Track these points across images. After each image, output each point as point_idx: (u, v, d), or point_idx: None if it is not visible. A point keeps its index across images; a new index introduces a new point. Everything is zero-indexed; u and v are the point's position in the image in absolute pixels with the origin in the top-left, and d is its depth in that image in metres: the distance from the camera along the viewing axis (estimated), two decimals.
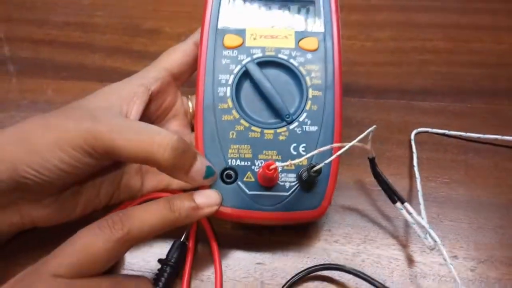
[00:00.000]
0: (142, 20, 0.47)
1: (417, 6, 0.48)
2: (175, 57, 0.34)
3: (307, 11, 0.34)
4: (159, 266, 0.31)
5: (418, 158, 0.37)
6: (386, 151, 0.38)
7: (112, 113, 0.30)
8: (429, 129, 0.39)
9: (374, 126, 0.27)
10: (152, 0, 0.49)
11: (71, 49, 0.46)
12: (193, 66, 0.35)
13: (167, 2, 0.49)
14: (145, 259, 0.33)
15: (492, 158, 0.37)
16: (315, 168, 0.27)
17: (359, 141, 0.26)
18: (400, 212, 0.31)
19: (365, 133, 0.26)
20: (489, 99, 0.41)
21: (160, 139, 0.27)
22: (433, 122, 0.39)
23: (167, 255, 0.31)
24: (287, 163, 0.27)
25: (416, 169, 0.36)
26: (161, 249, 0.32)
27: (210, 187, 0.30)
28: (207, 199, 0.29)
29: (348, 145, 0.27)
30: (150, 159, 0.27)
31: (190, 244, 0.32)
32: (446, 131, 0.38)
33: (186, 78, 0.36)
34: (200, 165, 0.29)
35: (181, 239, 0.32)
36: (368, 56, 0.45)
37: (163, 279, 0.30)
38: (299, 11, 0.34)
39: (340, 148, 0.27)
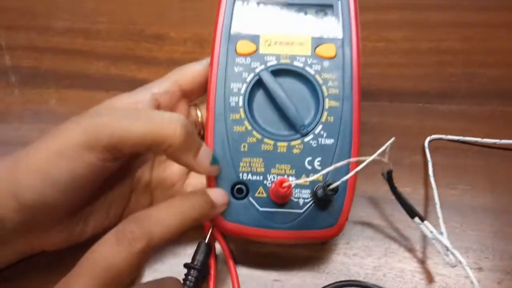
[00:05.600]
0: (146, 25, 0.46)
1: (430, 5, 0.46)
2: (187, 74, 0.33)
3: (325, 16, 0.32)
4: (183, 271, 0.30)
5: (435, 165, 0.35)
6: (403, 158, 0.37)
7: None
8: (443, 136, 0.37)
9: (393, 138, 0.25)
10: (156, 5, 0.48)
11: (74, 57, 0.44)
12: (204, 86, 0.33)
13: (172, 7, 0.47)
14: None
15: None
16: (331, 187, 0.26)
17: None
18: (420, 227, 0.30)
19: (384, 147, 0.25)
20: (508, 101, 0.40)
21: (169, 116, 0.26)
22: (452, 126, 0.38)
23: (193, 259, 0.30)
24: (301, 180, 0.26)
25: (432, 179, 0.34)
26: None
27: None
28: (219, 195, 0.28)
29: (366, 161, 0.25)
30: (161, 139, 0.25)
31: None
32: (461, 137, 0.37)
33: (196, 97, 0.34)
34: (206, 149, 0.28)
35: (206, 241, 0.30)
36: (381, 57, 0.43)
37: (191, 284, 0.29)
38: (316, 16, 0.33)
39: (357, 163, 0.26)
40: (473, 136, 0.37)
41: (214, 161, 0.28)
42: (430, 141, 0.37)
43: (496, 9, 0.46)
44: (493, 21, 0.45)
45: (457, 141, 0.37)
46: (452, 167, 0.36)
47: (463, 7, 0.46)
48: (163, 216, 0.26)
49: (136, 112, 0.27)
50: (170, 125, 0.25)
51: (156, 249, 0.25)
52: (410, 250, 0.32)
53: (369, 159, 0.25)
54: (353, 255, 0.32)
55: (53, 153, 0.25)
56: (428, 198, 0.34)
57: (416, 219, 0.30)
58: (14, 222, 0.26)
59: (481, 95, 0.40)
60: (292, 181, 0.26)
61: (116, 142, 0.25)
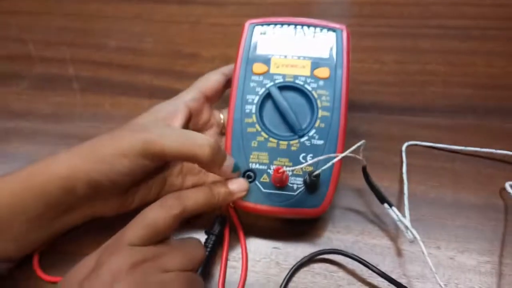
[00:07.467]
0: (183, 45, 0.56)
1: (421, 34, 0.55)
2: (208, 83, 0.43)
3: (323, 44, 0.41)
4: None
5: (410, 166, 0.44)
6: (386, 159, 0.45)
7: (160, 125, 0.39)
8: (418, 142, 0.45)
9: (363, 141, 0.34)
10: (191, 29, 0.58)
11: (125, 70, 0.55)
12: (221, 91, 0.44)
13: (204, 30, 0.58)
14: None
15: (476, 166, 0.44)
16: (314, 174, 0.35)
17: (354, 153, 0.34)
18: (387, 211, 0.38)
19: (355, 146, 0.34)
20: (479, 116, 0.47)
21: (201, 141, 0.35)
22: (428, 135, 0.46)
23: (212, 227, 0.39)
24: (292, 168, 0.35)
25: (404, 175, 0.43)
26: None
27: None
28: (238, 186, 0.38)
29: (340, 156, 0.34)
30: (193, 156, 0.35)
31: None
32: (433, 144, 0.45)
33: (216, 100, 0.45)
34: (229, 161, 0.37)
35: (222, 215, 0.40)
36: (375, 77, 0.52)
37: (209, 246, 0.38)
38: (316, 43, 0.42)
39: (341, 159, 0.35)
40: (444, 144, 0.45)
41: (235, 169, 0.38)
42: (407, 146, 0.45)
43: (476, 39, 0.54)
44: (474, 49, 0.53)
45: (430, 147, 0.45)
46: (424, 168, 0.44)
47: (449, 37, 0.55)
48: (195, 196, 0.36)
49: (177, 134, 0.36)
50: (201, 146, 0.35)
51: (186, 217, 0.35)
52: (384, 230, 0.41)
53: (342, 154, 0.34)
54: (337, 232, 0.41)
55: (118, 153, 0.35)
56: (401, 191, 0.43)
57: (386, 204, 0.38)
58: (84, 191, 0.35)
59: (455, 110, 0.48)
60: (285, 168, 0.35)
61: (161, 155, 0.35)
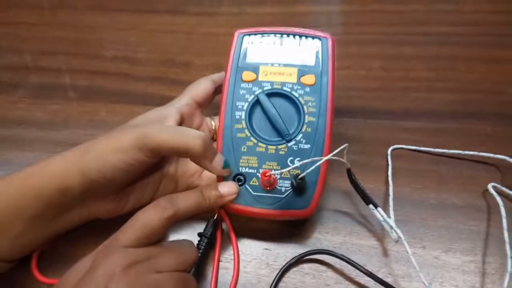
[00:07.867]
0: (177, 54, 0.58)
1: (405, 41, 0.57)
2: (199, 90, 0.45)
3: (309, 52, 0.43)
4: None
5: (395, 169, 0.45)
6: (371, 162, 0.47)
7: (154, 124, 0.41)
8: (404, 146, 0.47)
9: (346, 144, 0.36)
10: (185, 38, 0.60)
11: (120, 78, 0.57)
12: (211, 97, 0.45)
13: (197, 40, 0.60)
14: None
15: (458, 168, 0.46)
16: (299, 176, 0.37)
17: (339, 156, 0.36)
18: (373, 212, 0.40)
19: (338, 150, 0.36)
20: (460, 120, 0.49)
21: (194, 134, 0.37)
22: (412, 138, 0.48)
23: (204, 230, 0.41)
24: (279, 171, 0.37)
25: (390, 178, 0.44)
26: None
27: (223, 178, 0.40)
28: (228, 189, 0.39)
29: (324, 159, 0.36)
30: (187, 149, 0.36)
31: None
32: (417, 147, 0.47)
33: (206, 106, 0.46)
34: (220, 157, 0.39)
35: (214, 218, 0.41)
36: (361, 83, 0.54)
37: (202, 247, 0.40)
38: (302, 51, 0.43)
39: (327, 161, 0.36)
40: (428, 147, 0.47)
41: (226, 165, 0.39)
42: (392, 150, 0.47)
43: (457, 45, 0.56)
44: (456, 55, 0.55)
45: (414, 150, 0.47)
46: (409, 170, 0.46)
47: (431, 43, 0.57)
48: (187, 199, 0.38)
49: (171, 128, 0.38)
50: (194, 140, 0.36)
51: (177, 220, 0.36)
52: (370, 231, 0.42)
53: (325, 158, 0.35)
54: (325, 233, 0.42)
55: (114, 148, 0.36)
56: (387, 193, 0.44)
57: (371, 205, 0.40)
58: (80, 191, 0.37)
59: (438, 115, 0.50)
60: (272, 172, 0.37)
61: (156, 148, 0.36)
